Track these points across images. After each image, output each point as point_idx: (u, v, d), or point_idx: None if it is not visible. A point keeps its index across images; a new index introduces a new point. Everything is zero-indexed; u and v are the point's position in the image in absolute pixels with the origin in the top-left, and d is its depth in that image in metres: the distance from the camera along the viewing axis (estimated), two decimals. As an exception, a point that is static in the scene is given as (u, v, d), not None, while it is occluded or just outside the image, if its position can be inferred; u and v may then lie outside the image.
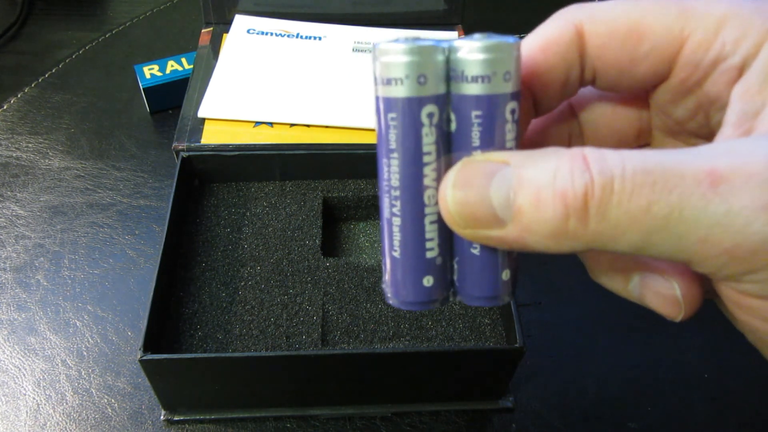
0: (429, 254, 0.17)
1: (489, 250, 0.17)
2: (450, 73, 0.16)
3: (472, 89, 0.16)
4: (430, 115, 0.16)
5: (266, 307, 0.36)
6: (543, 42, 0.18)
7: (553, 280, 0.42)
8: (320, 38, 0.52)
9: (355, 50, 0.51)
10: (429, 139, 0.16)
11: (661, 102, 0.20)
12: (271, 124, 0.45)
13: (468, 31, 0.55)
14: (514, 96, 0.16)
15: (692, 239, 0.14)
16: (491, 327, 0.36)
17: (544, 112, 0.20)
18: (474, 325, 0.36)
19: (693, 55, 0.17)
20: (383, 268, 0.18)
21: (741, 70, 0.17)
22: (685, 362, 0.38)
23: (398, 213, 0.17)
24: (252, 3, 0.54)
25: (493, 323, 0.36)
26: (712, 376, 0.38)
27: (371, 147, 0.43)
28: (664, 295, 0.18)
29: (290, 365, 0.32)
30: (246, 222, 0.41)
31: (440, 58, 0.16)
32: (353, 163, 0.43)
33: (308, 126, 0.45)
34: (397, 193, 0.17)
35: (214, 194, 0.43)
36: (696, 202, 0.14)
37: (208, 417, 0.35)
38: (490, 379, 0.34)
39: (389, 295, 0.18)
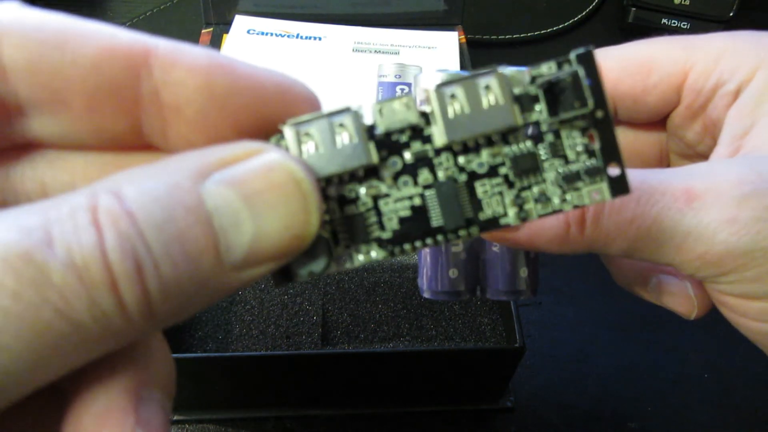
0: (454, 249, 0.20)
1: (508, 249, 0.20)
2: None
3: None
4: None
5: (266, 307, 0.36)
6: None
7: (553, 280, 0.42)
8: (320, 38, 0.52)
9: (355, 50, 0.51)
10: None
11: (673, 127, 0.22)
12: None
13: (468, 31, 0.55)
14: None
15: (670, 246, 0.16)
16: (491, 327, 0.36)
17: None
18: (474, 325, 0.36)
19: (696, 83, 0.20)
20: (418, 263, 0.21)
21: (736, 95, 0.19)
22: (685, 362, 0.38)
23: None
24: (252, 3, 0.54)
25: (493, 323, 0.36)
26: (712, 376, 0.38)
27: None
28: (679, 295, 0.20)
29: (290, 365, 0.32)
30: (246, 222, 0.41)
31: None
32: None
33: (308, 126, 0.45)
34: None
35: (214, 194, 0.43)
36: (673, 216, 0.16)
37: (208, 417, 0.35)
38: (490, 379, 0.34)
39: (424, 287, 0.21)
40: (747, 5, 0.55)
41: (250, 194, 0.12)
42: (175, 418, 0.35)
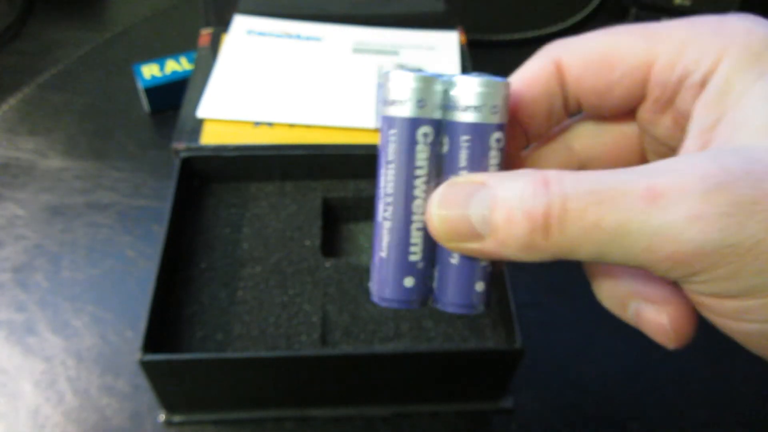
0: (412, 257, 0.20)
1: (466, 261, 0.20)
2: (447, 103, 0.19)
3: (464, 117, 0.19)
4: (425, 135, 0.19)
5: (266, 307, 0.36)
6: (526, 77, 0.21)
7: (553, 280, 0.42)
8: (320, 39, 0.52)
9: (355, 51, 0.51)
10: (422, 155, 0.19)
11: (644, 123, 0.21)
12: (271, 124, 0.45)
13: (468, 32, 0.55)
14: (500, 127, 0.19)
15: (638, 248, 0.16)
16: (491, 327, 0.36)
17: (535, 139, 0.22)
18: (474, 325, 0.36)
19: (661, 76, 0.19)
20: (371, 267, 0.20)
21: (702, 86, 0.19)
22: (685, 362, 0.38)
23: (389, 217, 0.19)
24: (252, 4, 0.54)
25: (493, 323, 0.36)
26: (712, 376, 0.38)
27: (371, 147, 0.43)
28: (657, 324, 0.20)
29: (290, 365, 0.32)
30: (246, 222, 0.41)
31: (439, 88, 0.19)
32: (353, 163, 0.43)
33: (308, 126, 0.45)
34: (390, 199, 0.19)
35: (214, 195, 0.43)
36: (638, 216, 0.16)
37: (207, 418, 0.35)
38: (490, 380, 0.34)
39: (374, 291, 0.20)
40: (747, 5, 0.55)
41: None
42: (175, 419, 0.35)
